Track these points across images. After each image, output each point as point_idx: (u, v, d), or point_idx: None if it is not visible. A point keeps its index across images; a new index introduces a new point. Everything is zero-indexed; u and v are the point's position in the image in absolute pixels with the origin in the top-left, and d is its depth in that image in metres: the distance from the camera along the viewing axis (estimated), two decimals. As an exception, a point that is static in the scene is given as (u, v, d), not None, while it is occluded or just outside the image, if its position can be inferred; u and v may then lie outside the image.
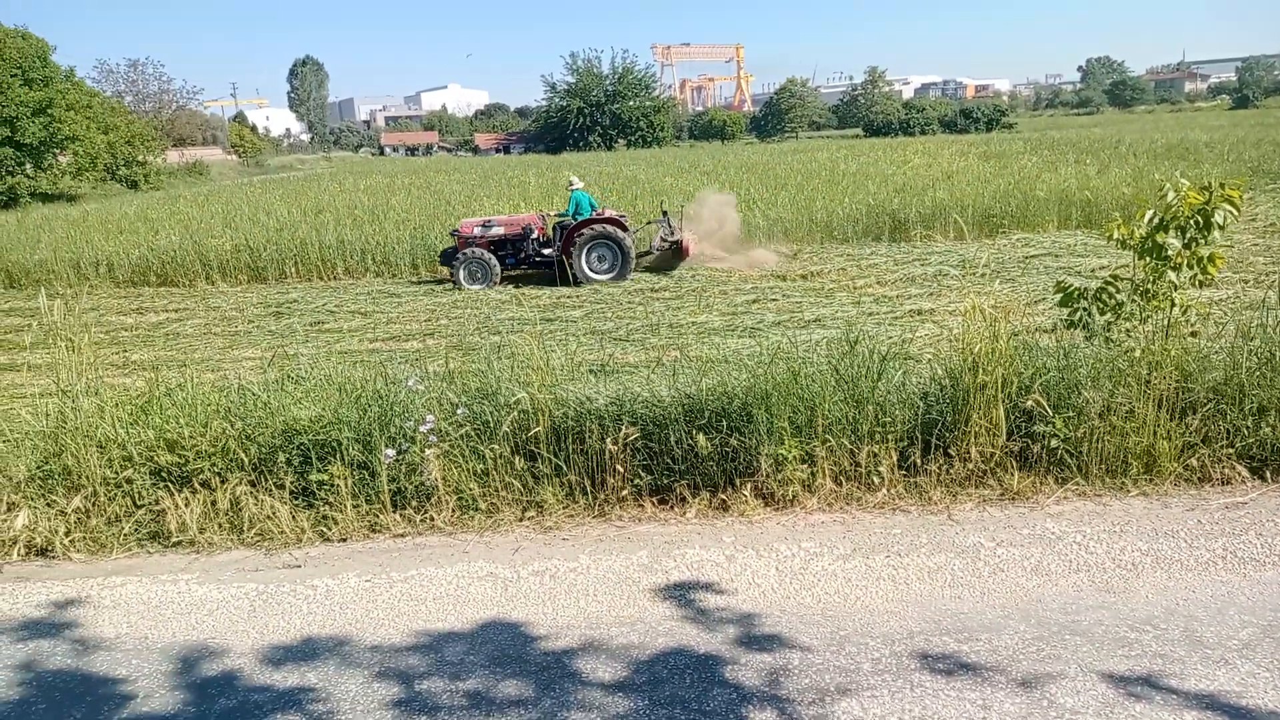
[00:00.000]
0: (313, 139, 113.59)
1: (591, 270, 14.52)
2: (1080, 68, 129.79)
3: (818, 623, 3.59)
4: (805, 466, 4.81)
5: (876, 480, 4.81)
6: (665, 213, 15.75)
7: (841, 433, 4.88)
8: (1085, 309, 5.67)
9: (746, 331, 10.26)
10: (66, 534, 4.72)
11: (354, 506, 4.87)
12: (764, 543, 4.37)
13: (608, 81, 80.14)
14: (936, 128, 77.18)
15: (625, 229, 14.59)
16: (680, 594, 3.91)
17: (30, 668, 3.57)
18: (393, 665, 3.44)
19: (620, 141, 77.95)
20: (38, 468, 5.08)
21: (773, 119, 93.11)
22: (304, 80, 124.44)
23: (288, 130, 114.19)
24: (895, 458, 4.84)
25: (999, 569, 4.01)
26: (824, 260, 15.24)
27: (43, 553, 4.70)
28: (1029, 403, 4.82)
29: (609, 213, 15.00)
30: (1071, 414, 4.86)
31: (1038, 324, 8.06)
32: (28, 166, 37.74)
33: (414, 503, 4.93)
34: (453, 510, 4.90)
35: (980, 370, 4.88)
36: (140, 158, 45.21)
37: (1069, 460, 4.85)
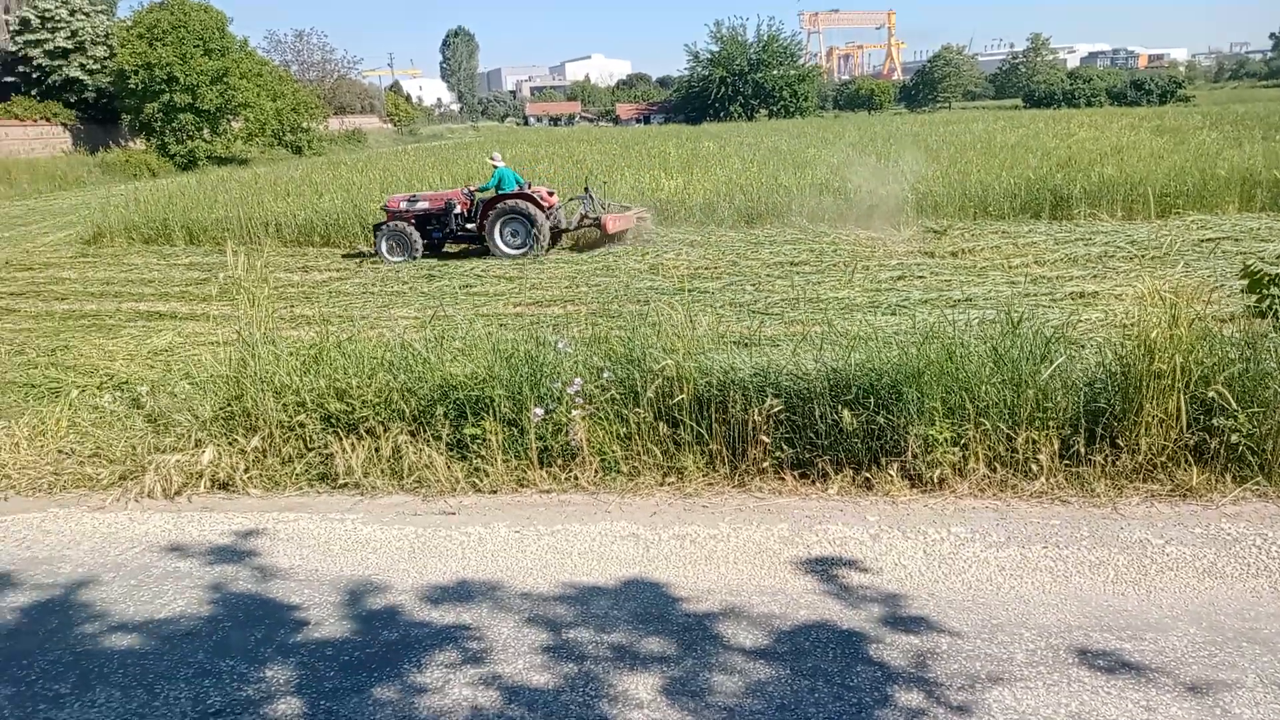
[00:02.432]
0: (462, 108, 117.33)
1: (504, 244, 14.52)
2: (1273, 35, 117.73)
3: (968, 609, 3.48)
4: (956, 449, 4.66)
5: (1035, 468, 4.60)
6: (587, 189, 15.71)
7: (998, 416, 4.68)
8: (1276, 296, 5.21)
9: (891, 309, 9.96)
10: (245, 471, 5.12)
11: (504, 461, 5.06)
12: (910, 524, 4.27)
13: (751, 50, 78.89)
14: (1104, 99, 72.06)
15: (538, 204, 14.57)
16: (822, 569, 3.88)
17: (218, 589, 3.92)
18: (541, 613, 3.58)
19: (762, 111, 76.72)
20: (221, 409, 5.53)
21: (924, 88, 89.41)
22: (455, 51, 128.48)
23: (439, 100, 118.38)
24: (1056, 446, 4.60)
25: (1167, 568, 3.77)
26: (976, 237, 14.56)
27: (224, 486, 5.11)
28: (1210, 394, 4.49)
29: (539, 190, 15.04)
30: (1257, 409, 4.49)
31: (1218, 311, 7.46)
32: (205, 131, 40.62)
33: (559, 461, 5.08)
34: (595, 471, 5.02)
35: (1155, 357, 4.57)
36: (304, 124, 47.84)
37: (1250, 458, 4.49)
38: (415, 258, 14.72)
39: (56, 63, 39.94)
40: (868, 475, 4.73)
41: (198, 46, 38.28)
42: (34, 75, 40.16)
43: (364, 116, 67.69)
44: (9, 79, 40.49)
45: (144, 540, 4.45)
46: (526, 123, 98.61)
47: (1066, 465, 4.62)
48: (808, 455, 4.85)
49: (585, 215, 15.19)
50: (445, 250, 15.41)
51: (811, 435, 4.84)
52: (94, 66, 40.41)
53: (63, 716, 3.07)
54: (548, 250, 14.76)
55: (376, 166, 28.42)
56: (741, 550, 4.09)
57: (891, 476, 4.67)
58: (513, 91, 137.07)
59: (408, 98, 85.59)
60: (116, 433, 5.60)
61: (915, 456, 4.68)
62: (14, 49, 40.09)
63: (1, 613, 3.80)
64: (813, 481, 4.79)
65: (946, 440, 4.62)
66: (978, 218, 16.18)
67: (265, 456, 5.20)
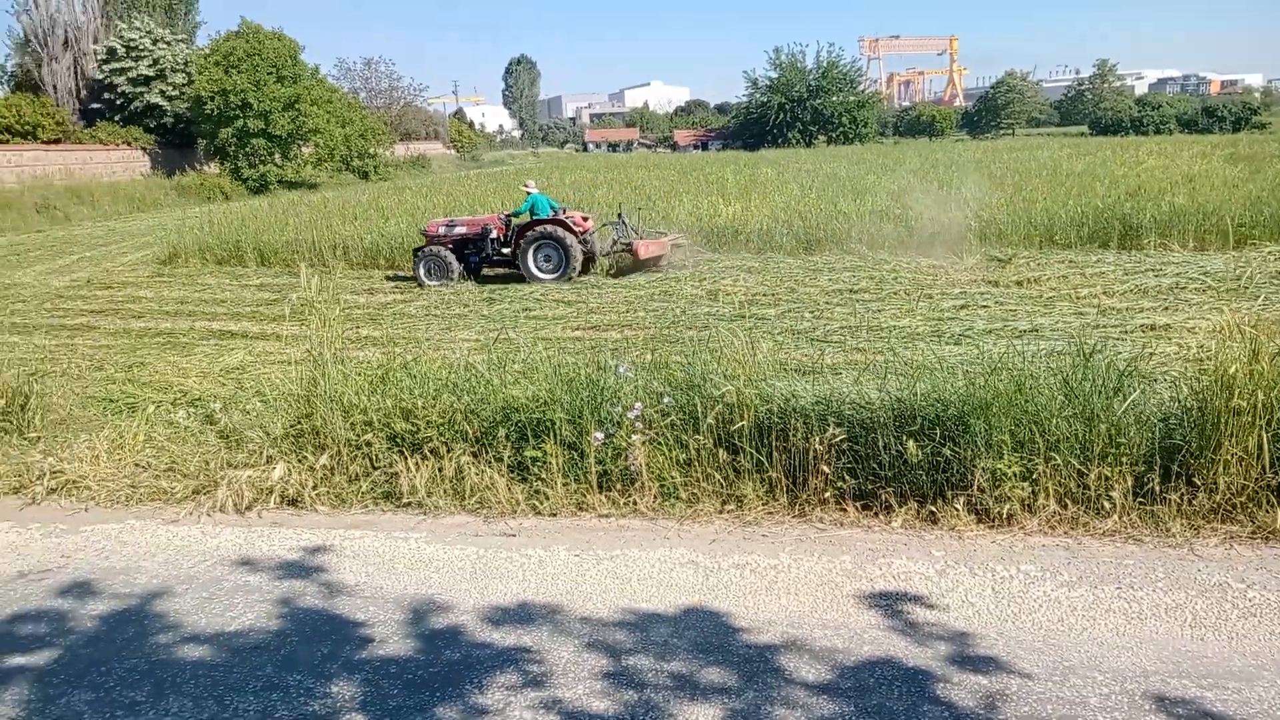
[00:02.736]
0: (523, 135, 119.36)
1: (538, 269, 14.67)
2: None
3: (1039, 650, 3.39)
4: (1025, 484, 4.55)
5: (1107, 506, 4.47)
6: (620, 216, 15.71)
7: (1069, 451, 4.57)
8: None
9: (955, 338, 9.81)
10: (314, 487, 5.24)
11: (563, 484, 5.09)
12: (978, 560, 4.18)
13: (811, 76, 78.87)
14: (1174, 126, 70.31)
15: (570, 230, 14.65)
16: (887, 604, 3.82)
17: (286, 603, 4.01)
18: (601, 638, 3.58)
19: (820, 138, 76.56)
20: (291, 426, 5.67)
21: (987, 114, 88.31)
22: (518, 79, 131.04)
23: (500, 126, 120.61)
24: (1130, 483, 4.47)
25: (1250, 613, 3.63)
26: (1042, 266, 14.28)
27: (293, 503, 5.24)
28: (1295, 433, 4.32)
29: (574, 215, 15.13)
30: (1348, 450, 4.31)
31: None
32: (277, 156, 41.96)
33: (618, 485, 5.09)
34: (654, 496, 5.02)
35: (1235, 393, 4.42)
36: (372, 150, 49.12)
37: (1339, 501, 4.30)
38: (452, 281, 14.95)
39: (138, 90, 41.71)
40: (933, 509, 4.65)
41: (271, 74, 39.63)
42: (117, 102, 41.99)
43: (428, 143, 69.24)
44: (95, 105, 42.42)
45: (216, 554, 4.58)
46: (585, 149, 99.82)
47: (1140, 503, 4.48)
48: (870, 486, 4.79)
49: (617, 241, 15.32)
50: (484, 274, 15.57)
51: (874, 466, 4.78)
52: (173, 93, 42.10)
53: (138, 724, 3.16)
54: (580, 275, 14.84)
55: (440, 191, 29.02)
56: (803, 581, 4.05)
57: (958, 511, 4.58)
58: (572, 118, 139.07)
59: (470, 124, 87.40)
60: (191, 448, 5.79)
61: (982, 491, 4.59)
62: (100, 77, 42.02)
63: (82, 620, 3.94)
64: (875, 513, 4.72)
65: (1015, 475, 4.53)
66: (1043, 246, 15.87)
67: (333, 474, 5.32)
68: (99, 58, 42.24)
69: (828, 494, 4.80)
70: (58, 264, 19.14)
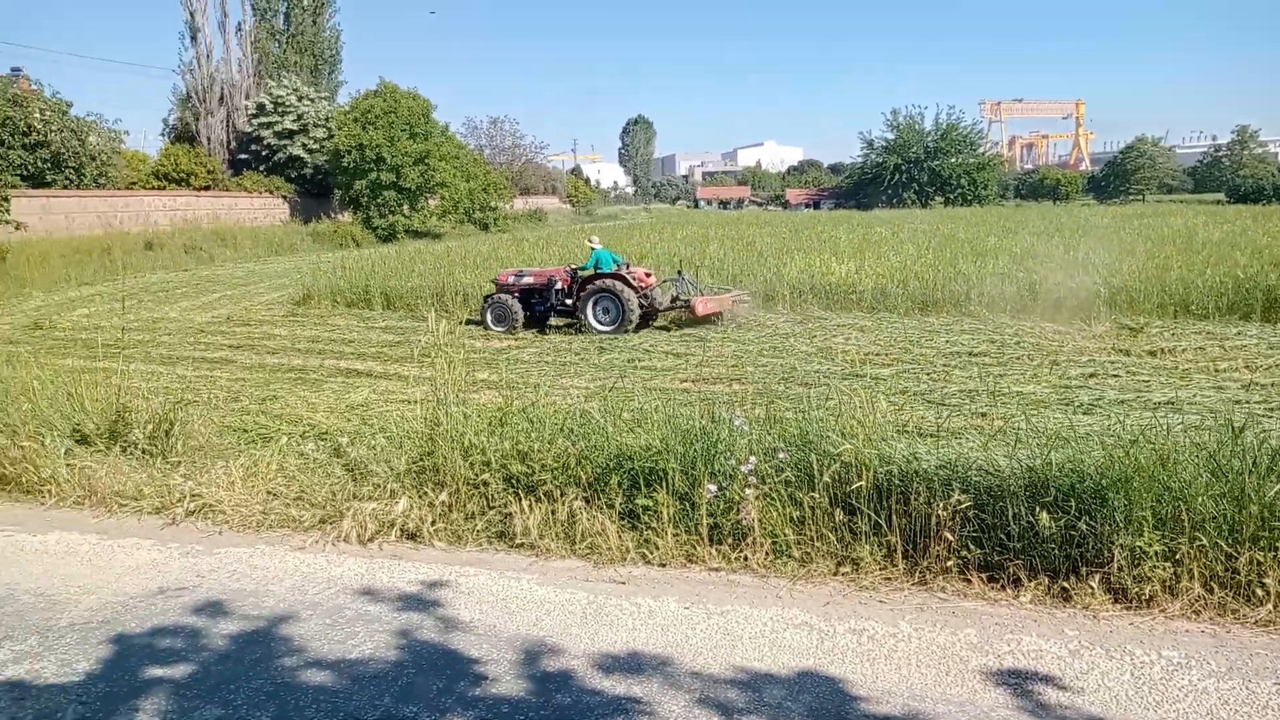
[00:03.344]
0: (636, 191, 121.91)
1: (596, 321, 15.06)
2: None
3: (1187, 744, 3.14)
4: (1167, 564, 4.26)
5: (1260, 593, 4.13)
6: (680, 272, 16.16)
7: (1215, 532, 4.27)
8: None
9: (1084, 407, 9.35)
10: (432, 523, 5.38)
11: (674, 534, 5.06)
12: (1114, 642, 3.92)
13: (929, 137, 77.98)
14: (1324, 194, 66.07)
15: (630, 285, 14.93)
16: (1016, 682, 3.61)
17: (404, 635, 4.10)
18: (712, 695, 3.51)
19: (938, 199, 75.30)
20: (413, 463, 5.86)
21: (1115, 179, 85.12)
22: (634, 138, 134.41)
23: (615, 183, 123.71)
24: (1288, 570, 4.13)
25: None
26: (1177, 337, 13.53)
27: (412, 536, 5.38)
28: None
29: (636, 271, 15.49)
30: None
31: None
32: (405, 207, 44.12)
33: (729, 539, 5.03)
34: (766, 553, 4.93)
35: None
36: (493, 203, 51.12)
37: None
38: (516, 329, 15.49)
39: (283, 142, 44.78)
40: (1065, 585, 4.40)
41: (404, 130, 41.89)
42: (263, 153, 45.17)
43: (546, 197, 71.56)
44: (243, 155, 45.73)
45: (339, 582, 4.73)
46: (697, 205, 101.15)
47: (1301, 594, 4.13)
48: (997, 558, 4.58)
49: (677, 297, 15.64)
50: (550, 324, 15.99)
51: (1002, 536, 4.57)
52: (314, 146, 45.00)
53: (263, 742, 3.27)
54: (638, 329, 15.09)
55: (555, 243, 29.84)
56: (925, 653, 3.88)
57: (1092, 588, 4.32)
58: (685, 176, 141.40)
59: (586, 180, 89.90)
60: (319, 479, 6.04)
61: (1120, 569, 4.33)
62: (249, 130, 45.37)
63: (214, 638, 4.12)
64: (1002, 586, 4.50)
65: (1157, 554, 4.25)
66: (1178, 316, 15.08)
67: (450, 511, 5.45)
68: (249, 112, 45.66)
69: (950, 563, 4.61)
70: (201, 301, 20.51)
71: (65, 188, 32.64)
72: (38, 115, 31.27)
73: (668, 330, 15.58)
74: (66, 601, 4.56)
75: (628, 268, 15.66)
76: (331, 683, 3.68)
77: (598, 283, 15.18)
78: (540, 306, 15.94)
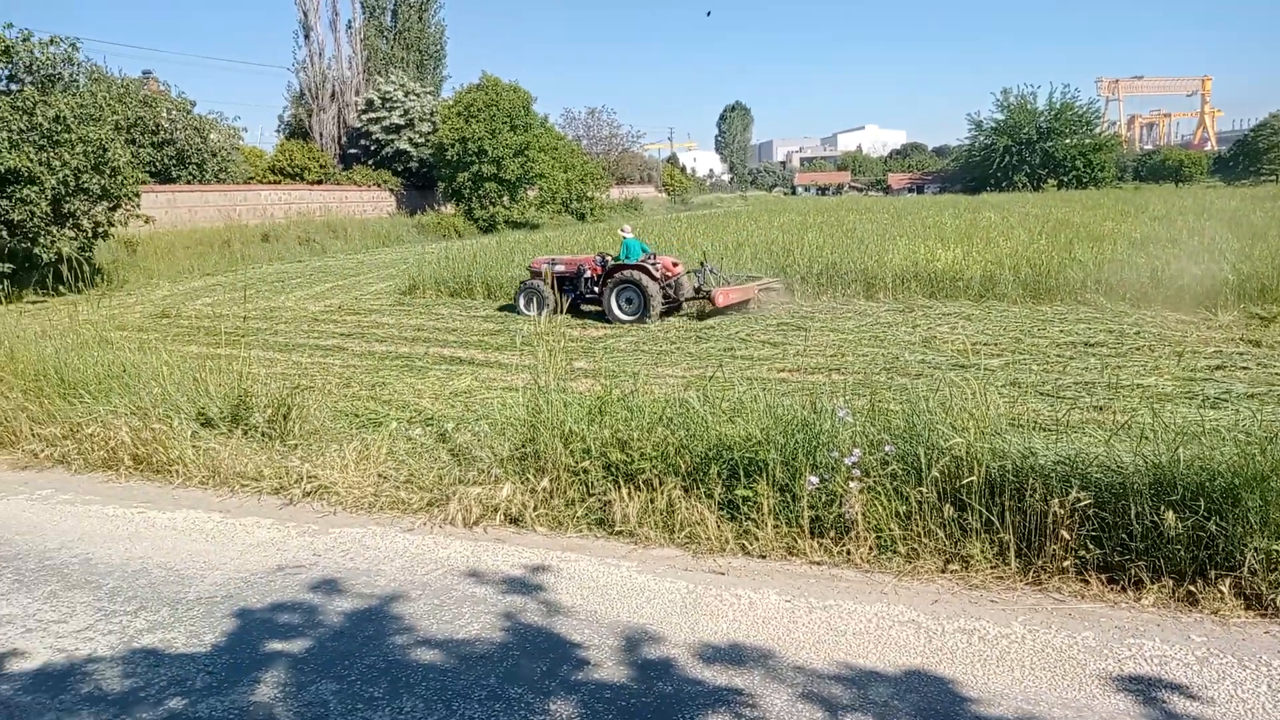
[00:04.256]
0: (732, 178, 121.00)
1: (620, 311, 15.26)
2: None
3: (1335, 765, 2.92)
4: (1310, 571, 3.97)
5: None
6: (703, 263, 16.22)
7: (1367, 537, 3.95)
8: None
9: (1210, 401, 8.80)
10: (534, 509, 5.47)
11: (774, 526, 5.00)
12: (1248, 651, 3.68)
13: (1041, 118, 74.69)
14: None
15: (652, 275, 15.05)
16: (1138, 689, 3.43)
17: (508, 617, 4.18)
18: (816, 690, 3.46)
19: (1050, 182, 72.09)
20: (516, 450, 5.96)
21: (1244, 159, 79.70)
22: (731, 124, 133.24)
23: (710, 170, 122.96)
24: None
25: None
26: (1317, 327, 12.59)
27: (514, 521, 5.48)
28: None
29: (663, 260, 15.61)
30: None
31: None
32: (505, 198, 44.96)
33: (832, 533, 4.94)
34: (870, 548, 4.82)
35: None
36: (590, 193, 51.57)
37: None
38: (545, 313, 15.81)
39: (390, 137, 46.22)
40: (1191, 589, 4.16)
41: (505, 123, 42.65)
42: (371, 147, 46.73)
43: (641, 186, 71.73)
44: (352, 150, 47.42)
45: (446, 564, 4.86)
46: (794, 192, 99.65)
47: None
48: (1117, 558, 4.36)
49: (699, 287, 15.75)
50: (581, 310, 16.22)
51: (1123, 536, 4.35)
52: (419, 140, 46.29)
53: (376, 718, 3.38)
54: (662, 318, 15.21)
55: (650, 232, 29.85)
56: (1039, 655, 3.72)
57: (1222, 593, 4.07)
58: (783, 162, 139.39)
59: (682, 169, 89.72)
60: (426, 463, 6.22)
61: (1253, 573, 4.06)
62: (358, 125, 47.01)
63: (329, 615, 4.29)
64: (1122, 588, 4.28)
65: (1297, 559, 3.96)
66: (1320, 304, 14.02)
67: (551, 497, 5.53)
68: (358, 108, 47.30)
69: (1067, 562, 4.41)
70: (314, 290, 21.38)
71: (189, 183, 34.54)
72: (165, 115, 33.16)
73: (759, 321, 15.42)
74: (193, 576, 4.82)
75: (655, 258, 15.91)
76: (440, 661, 3.78)
77: (621, 274, 15.44)
78: (572, 293, 16.29)
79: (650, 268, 15.42)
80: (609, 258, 16.37)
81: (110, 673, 3.77)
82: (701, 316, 15.59)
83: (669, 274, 15.60)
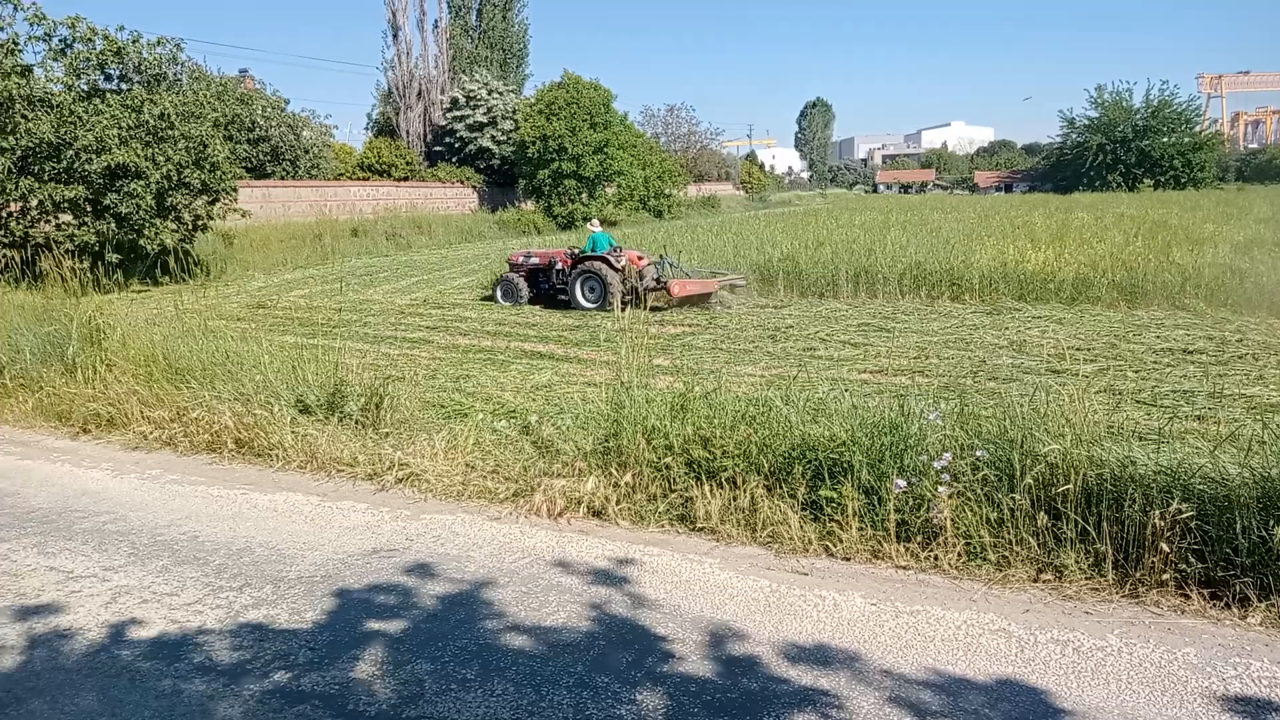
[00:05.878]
0: (812, 176, 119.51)
1: (583, 298, 16.50)
2: None
3: None
4: None
5: None
6: (663, 256, 17.52)
7: None
8: None
9: (1323, 414, 8.37)
10: (617, 502, 5.54)
11: (858, 529, 4.96)
12: (1367, 677, 3.50)
13: (1137, 116, 71.76)
14: None
15: (613, 266, 16.14)
16: (1245, 710, 3.31)
17: (594, 608, 4.26)
18: (905, 695, 3.43)
19: (1146, 181, 69.22)
20: (599, 444, 6.04)
21: (1361, 159, 75.15)
22: (812, 121, 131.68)
23: (790, 168, 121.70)
24: None
25: None
26: None
27: (597, 514, 5.56)
28: None
29: (629, 253, 16.60)
30: None
31: None
32: (584, 195, 45.40)
33: (919, 538, 4.87)
34: (959, 554, 4.74)
35: None
36: (667, 191, 51.64)
37: None
38: (520, 304, 17.17)
39: (473, 135, 47.13)
40: (1303, 609, 3.97)
41: (585, 120, 43.05)
42: (455, 145, 47.72)
43: (719, 184, 71.50)
44: (437, 148, 48.51)
45: (532, 553, 4.97)
46: (875, 190, 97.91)
47: None
48: (1220, 573, 4.20)
49: (659, 279, 16.58)
50: (558, 300, 17.12)
51: (1227, 551, 4.18)
52: (501, 138, 47.08)
53: (469, 699, 3.49)
54: (624, 308, 15.76)
55: (729, 230, 29.76)
56: (1137, 670, 3.62)
57: (1338, 615, 3.88)
58: (864, 159, 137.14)
59: (761, 166, 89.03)
60: (511, 454, 6.36)
61: (1374, 596, 3.86)
62: (443, 123, 48.05)
63: (423, 598, 4.44)
64: (1226, 605, 4.12)
65: None
66: None
67: (634, 492, 5.59)
68: (443, 106, 48.32)
69: (1166, 575, 4.27)
70: (400, 284, 21.97)
71: (282, 178, 35.87)
72: (260, 112, 34.48)
73: (839, 321, 15.24)
74: (293, 556, 5.04)
75: (619, 251, 16.80)
76: (529, 647, 3.88)
77: (585, 265, 16.48)
78: (545, 285, 17.41)
79: (612, 259, 16.43)
80: (575, 251, 17.47)
81: (219, 644, 3.97)
82: (657, 309, 16.37)
83: (633, 265, 16.58)
